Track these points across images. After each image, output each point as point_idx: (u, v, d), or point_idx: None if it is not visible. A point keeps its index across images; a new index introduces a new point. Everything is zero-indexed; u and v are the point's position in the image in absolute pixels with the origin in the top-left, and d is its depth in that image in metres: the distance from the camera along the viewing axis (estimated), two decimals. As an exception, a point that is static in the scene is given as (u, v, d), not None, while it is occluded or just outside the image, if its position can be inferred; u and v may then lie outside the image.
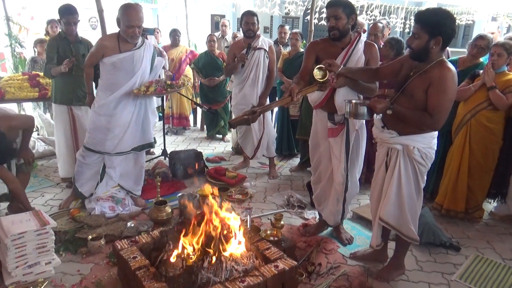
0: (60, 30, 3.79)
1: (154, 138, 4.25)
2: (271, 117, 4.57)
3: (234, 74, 4.27)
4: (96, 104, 3.29)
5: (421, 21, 2.23)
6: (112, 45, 3.16)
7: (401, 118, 2.34)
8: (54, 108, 3.91)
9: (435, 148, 2.44)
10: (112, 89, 3.21)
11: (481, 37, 3.49)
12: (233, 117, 4.67)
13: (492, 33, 4.54)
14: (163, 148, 4.85)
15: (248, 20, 4.01)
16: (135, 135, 3.39)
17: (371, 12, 9.14)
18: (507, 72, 3.30)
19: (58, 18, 3.69)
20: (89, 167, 3.42)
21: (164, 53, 4.89)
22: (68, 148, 3.92)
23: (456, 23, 2.33)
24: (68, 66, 3.54)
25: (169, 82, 3.42)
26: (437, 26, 2.18)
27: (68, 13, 3.59)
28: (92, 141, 3.32)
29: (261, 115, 4.21)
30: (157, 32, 6.37)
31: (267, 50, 4.15)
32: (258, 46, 4.09)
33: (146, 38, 4.02)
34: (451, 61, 3.74)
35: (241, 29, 4.25)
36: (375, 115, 2.58)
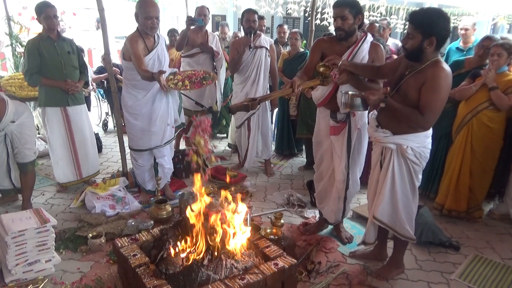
0: (41, 31, 3.56)
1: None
2: (270, 119, 4.48)
3: (237, 73, 4.25)
4: (129, 109, 3.35)
5: (414, 21, 2.22)
6: (142, 45, 3.21)
7: (393, 113, 2.34)
8: (46, 112, 3.66)
9: (430, 147, 2.43)
10: (147, 88, 3.29)
11: (488, 38, 3.47)
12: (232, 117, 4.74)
13: (466, 30, 4.50)
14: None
15: (249, 17, 4.00)
16: (173, 120, 3.56)
17: (373, 12, 9.11)
18: (507, 72, 3.29)
19: (37, 17, 3.50)
20: (144, 168, 3.59)
21: (220, 51, 4.46)
22: (65, 150, 3.73)
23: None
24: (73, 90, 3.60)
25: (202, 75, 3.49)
26: (430, 26, 2.17)
27: (46, 6, 3.44)
28: (137, 142, 3.45)
29: (248, 127, 4.25)
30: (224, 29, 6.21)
31: (268, 48, 4.16)
32: (259, 45, 4.10)
33: (199, 28, 4.21)
34: (458, 62, 3.73)
35: (241, 27, 4.23)
36: (370, 114, 2.59)
